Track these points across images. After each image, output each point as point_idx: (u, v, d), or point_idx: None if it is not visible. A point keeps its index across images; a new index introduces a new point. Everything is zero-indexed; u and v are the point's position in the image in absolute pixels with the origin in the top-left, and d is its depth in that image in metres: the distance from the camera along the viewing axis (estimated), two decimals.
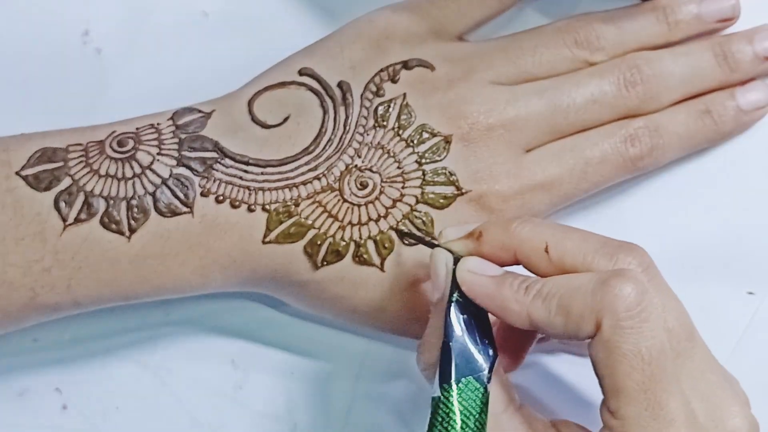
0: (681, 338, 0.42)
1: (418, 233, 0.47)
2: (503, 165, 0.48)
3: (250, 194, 0.46)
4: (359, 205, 0.47)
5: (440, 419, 0.41)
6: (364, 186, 0.47)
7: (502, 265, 0.44)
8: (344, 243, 0.47)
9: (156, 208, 0.46)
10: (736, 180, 0.53)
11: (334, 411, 0.52)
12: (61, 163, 0.46)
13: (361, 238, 0.47)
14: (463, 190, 0.48)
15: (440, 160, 0.48)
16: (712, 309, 0.52)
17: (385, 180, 0.47)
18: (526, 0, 0.53)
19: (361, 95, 0.48)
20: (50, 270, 0.45)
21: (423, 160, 0.48)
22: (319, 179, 0.47)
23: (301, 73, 0.49)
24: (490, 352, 0.42)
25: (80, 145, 0.46)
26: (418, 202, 0.47)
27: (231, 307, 0.50)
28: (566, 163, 0.49)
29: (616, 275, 0.40)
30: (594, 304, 0.40)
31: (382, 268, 0.47)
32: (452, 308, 0.43)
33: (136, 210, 0.45)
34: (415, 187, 0.47)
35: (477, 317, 0.43)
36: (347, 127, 0.48)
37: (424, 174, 0.47)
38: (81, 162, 0.46)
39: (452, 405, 0.41)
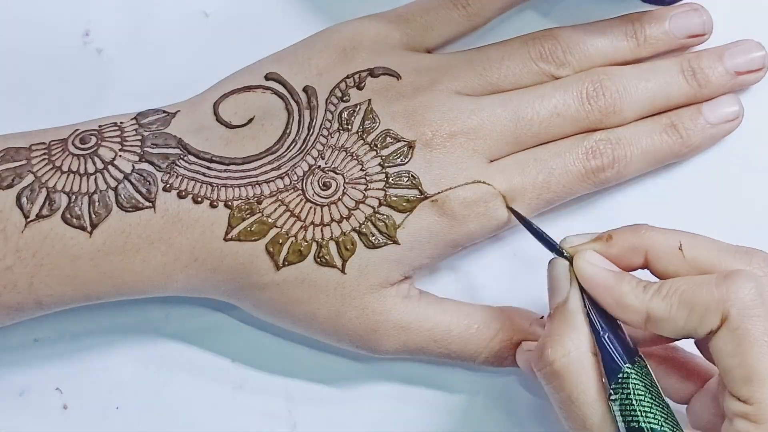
0: None
1: (542, 233, 0.47)
2: (466, 172, 0.48)
3: (212, 190, 0.47)
4: (322, 206, 0.47)
5: (629, 405, 0.41)
6: (327, 186, 0.48)
7: (626, 269, 0.45)
8: (306, 243, 0.47)
9: (118, 203, 0.46)
10: (736, 180, 0.53)
11: (335, 411, 0.52)
12: (23, 161, 0.46)
13: (323, 238, 0.47)
14: (426, 194, 0.48)
15: (404, 164, 0.48)
16: None
17: (348, 181, 0.48)
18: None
19: (326, 100, 0.49)
20: (12, 268, 0.45)
21: (386, 164, 0.48)
22: (282, 178, 0.47)
23: (267, 77, 0.49)
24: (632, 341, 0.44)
25: (43, 144, 0.47)
26: (380, 204, 0.48)
27: (231, 307, 0.50)
28: (529, 173, 0.49)
29: (737, 272, 0.42)
30: (720, 295, 0.41)
31: (343, 270, 0.47)
32: (591, 308, 0.44)
33: (98, 205, 0.46)
34: (377, 189, 0.48)
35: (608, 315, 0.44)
36: (311, 130, 0.48)
37: (387, 177, 0.48)
38: (44, 159, 0.46)
39: (637, 385, 0.42)
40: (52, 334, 0.52)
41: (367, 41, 0.50)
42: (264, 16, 0.54)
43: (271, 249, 0.47)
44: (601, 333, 0.43)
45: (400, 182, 0.48)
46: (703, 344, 0.45)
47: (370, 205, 0.48)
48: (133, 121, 0.48)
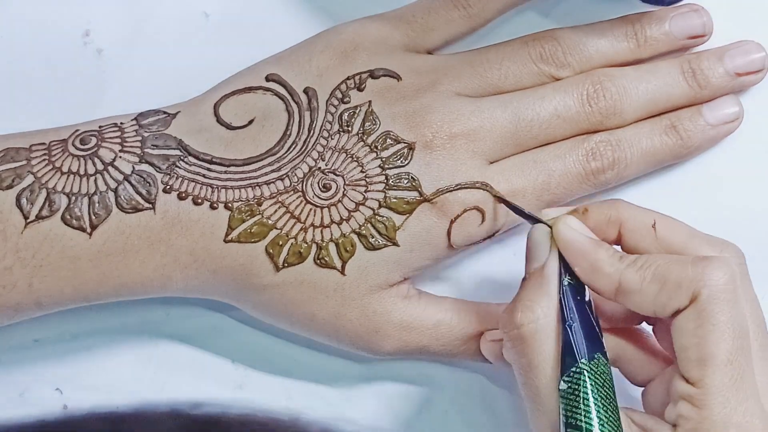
0: (765, 333, 0.43)
1: (519, 206, 0.47)
2: (466, 173, 0.49)
3: (212, 192, 0.47)
4: (322, 207, 0.47)
5: (574, 400, 0.41)
6: (327, 188, 0.48)
7: None
8: (306, 245, 0.47)
9: (118, 204, 0.46)
10: (736, 180, 0.53)
11: (335, 411, 0.52)
12: (24, 162, 0.46)
13: (323, 240, 0.47)
14: (426, 196, 0.48)
15: (404, 166, 0.48)
16: None
17: (348, 183, 0.48)
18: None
19: (327, 101, 0.49)
20: (11, 268, 0.45)
21: (386, 166, 0.48)
22: (282, 180, 0.47)
23: (268, 78, 0.49)
24: (601, 332, 0.43)
25: (43, 144, 0.47)
26: (380, 206, 0.48)
27: (231, 308, 0.50)
28: (529, 175, 0.49)
29: (714, 257, 0.42)
30: (694, 274, 0.41)
31: (342, 272, 0.47)
32: (567, 291, 0.43)
33: (97, 206, 0.46)
34: (377, 191, 0.48)
35: (586, 302, 0.44)
36: (312, 131, 0.48)
37: (387, 179, 0.48)
38: (44, 160, 0.46)
39: (585, 385, 0.41)
40: (52, 335, 0.52)
41: (367, 42, 0.50)
42: (264, 16, 0.54)
43: (271, 250, 0.47)
44: (568, 321, 0.43)
45: (399, 184, 0.48)
46: (661, 330, 0.45)
47: (369, 207, 0.48)
48: (134, 122, 0.48)
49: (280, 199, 0.47)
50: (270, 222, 0.47)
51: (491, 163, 0.50)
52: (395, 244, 0.48)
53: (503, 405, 0.52)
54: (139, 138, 0.47)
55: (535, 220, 0.46)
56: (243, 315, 0.50)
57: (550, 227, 0.45)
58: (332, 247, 0.47)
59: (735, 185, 0.53)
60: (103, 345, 0.52)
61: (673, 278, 0.42)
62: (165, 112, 0.48)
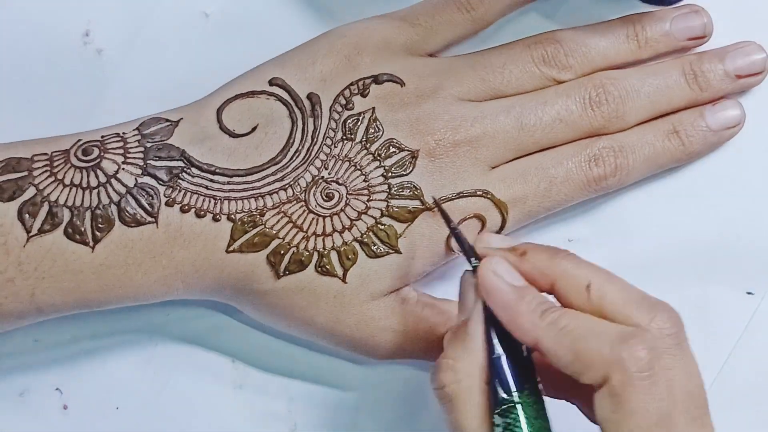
0: (698, 404, 0.41)
1: (461, 236, 0.46)
2: (467, 180, 0.49)
3: (215, 204, 0.47)
4: (324, 216, 0.47)
5: None
6: (329, 198, 0.48)
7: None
8: (307, 253, 0.47)
9: (120, 218, 0.46)
10: (736, 180, 0.53)
11: (335, 411, 0.52)
12: (25, 173, 0.46)
13: (324, 248, 0.47)
14: (428, 205, 0.48)
15: (406, 175, 0.48)
16: (712, 309, 0.52)
17: (351, 192, 0.48)
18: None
19: (330, 108, 0.48)
20: (14, 280, 0.45)
21: (389, 174, 0.48)
22: (285, 190, 0.47)
23: (271, 83, 0.49)
24: (532, 363, 0.43)
25: (45, 154, 0.47)
26: (383, 215, 0.48)
27: (231, 307, 0.50)
28: (531, 181, 0.49)
29: (636, 334, 0.40)
30: (608, 356, 0.39)
31: (344, 279, 0.47)
32: (491, 329, 0.43)
33: (100, 220, 0.46)
34: (380, 200, 0.48)
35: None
36: (315, 139, 0.48)
37: (389, 187, 0.48)
38: (46, 171, 0.46)
39: (519, 416, 0.41)
40: (52, 335, 0.52)
41: (371, 46, 0.50)
42: (264, 16, 0.54)
43: (273, 259, 0.47)
44: (496, 354, 0.42)
45: (402, 193, 0.48)
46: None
47: (372, 216, 0.48)
48: (136, 132, 0.47)
49: (282, 209, 0.47)
50: (272, 232, 0.47)
51: (493, 168, 0.50)
52: (397, 251, 0.48)
53: None
54: (142, 149, 0.47)
55: (469, 255, 0.45)
56: (243, 315, 0.51)
57: (476, 267, 0.44)
58: (334, 255, 0.47)
59: (735, 186, 0.54)
60: (103, 345, 0.52)
61: (587, 354, 0.40)
62: (168, 120, 0.48)
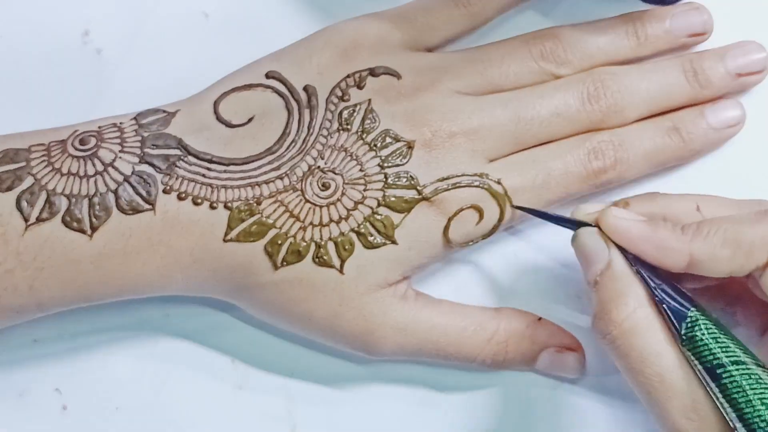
0: None
1: (547, 212, 0.48)
2: (464, 172, 0.49)
3: (212, 191, 0.47)
4: (321, 206, 0.47)
5: (705, 345, 0.41)
6: (326, 187, 0.48)
7: None
8: (305, 243, 0.47)
9: (118, 206, 0.46)
10: (736, 180, 0.53)
11: (335, 411, 0.52)
12: (23, 163, 0.46)
13: (321, 239, 0.47)
14: (425, 195, 0.48)
15: (402, 165, 0.48)
16: None
17: (347, 182, 0.48)
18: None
19: (327, 99, 0.49)
20: (12, 271, 0.45)
21: (385, 164, 0.48)
22: (281, 179, 0.47)
23: (268, 76, 0.49)
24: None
25: (42, 145, 0.47)
26: (379, 204, 0.48)
27: (231, 307, 0.50)
28: (528, 174, 0.49)
29: None
30: (764, 232, 0.42)
31: (341, 270, 0.47)
32: (640, 271, 0.44)
33: (98, 208, 0.46)
34: (376, 190, 0.48)
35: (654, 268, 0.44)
36: (311, 130, 0.48)
37: (386, 177, 0.48)
38: (43, 161, 0.46)
39: (707, 325, 0.42)
40: (52, 335, 0.52)
41: (368, 40, 0.50)
42: (264, 16, 0.54)
43: (270, 249, 0.47)
44: (656, 286, 0.43)
45: (398, 183, 0.48)
46: (753, 280, 0.45)
47: (368, 206, 0.48)
48: (133, 122, 0.48)
49: (279, 198, 0.47)
50: (269, 221, 0.47)
51: (491, 161, 0.49)
52: (394, 242, 0.48)
53: (503, 406, 0.52)
54: (139, 138, 0.47)
55: (571, 223, 0.46)
56: (243, 314, 0.50)
57: (594, 226, 0.45)
58: (331, 246, 0.47)
59: (735, 186, 0.53)
60: (102, 345, 0.52)
61: (745, 240, 0.42)
62: (164, 111, 0.48)
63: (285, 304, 0.48)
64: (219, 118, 0.48)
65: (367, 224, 0.47)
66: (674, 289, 0.43)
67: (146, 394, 0.52)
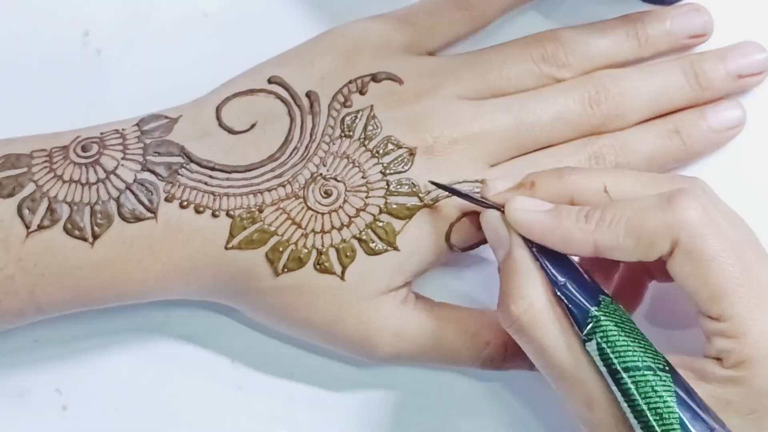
0: (756, 244, 0.43)
1: (458, 187, 0.47)
2: (466, 178, 0.48)
3: (214, 200, 0.47)
4: (323, 213, 0.47)
5: (606, 347, 0.41)
6: (328, 194, 0.48)
7: None
8: (306, 250, 0.47)
9: (120, 214, 0.46)
10: (736, 181, 0.53)
11: (334, 413, 0.52)
12: (24, 169, 0.46)
13: (323, 246, 0.47)
14: (427, 202, 0.48)
15: (404, 172, 0.48)
16: None
17: (349, 189, 0.48)
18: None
19: (329, 105, 0.49)
20: (13, 277, 0.45)
21: (387, 171, 0.48)
22: (283, 186, 0.47)
23: (270, 81, 0.49)
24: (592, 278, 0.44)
25: (44, 150, 0.47)
26: (381, 212, 0.48)
27: (231, 309, 0.50)
28: None
29: (678, 193, 0.42)
30: (666, 221, 0.41)
31: (342, 277, 0.47)
32: (541, 257, 0.43)
33: (99, 216, 0.46)
34: (378, 197, 0.48)
35: (559, 257, 0.44)
36: (314, 136, 0.48)
37: (388, 184, 0.48)
38: (45, 167, 0.46)
39: (608, 326, 0.41)
40: (52, 335, 0.51)
41: (369, 45, 0.50)
42: (264, 16, 0.54)
43: (271, 256, 0.47)
44: (558, 283, 0.43)
45: (400, 190, 0.48)
46: (659, 266, 0.45)
47: (370, 213, 0.48)
48: (135, 128, 0.48)
49: (281, 206, 0.47)
50: (271, 229, 0.47)
51: (492, 166, 0.50)
52: (396, 248, 0.48)
53: (503, 409, 0.52)
54: (141, 145, 0.47)
55: (482, 204, 0.46)
56: (243, 316, 0.50)
57: (500, 210, 0.45)
58: (332, 253, 0.47)
59: (735, 186, 0.53)
60: (102, 346, 0.52)
61: (647, 229, 0.42)
62: (167, 117, 0.48)
63: (285, 309, 0.48)
64: (221, 125, 0.48)
65: (369, 231, 0.47)
66: (579, 282, 0.43)
67: (146, 395, 0.52)
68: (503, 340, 0.49)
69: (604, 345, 0.41)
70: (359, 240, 0.47)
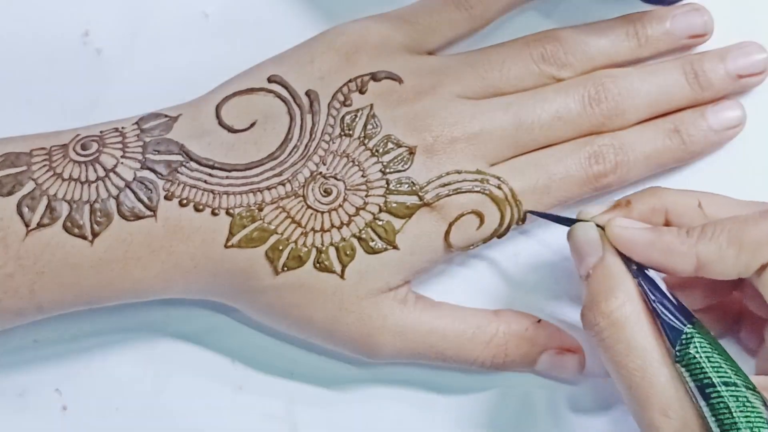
0: None
1: (552, 214, 0.48)
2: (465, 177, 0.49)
3: (214, 198, 0.47)
4: (322, 212, 0.47)
5: (697, 364, 0.42)
6: (328, 193, 0.48)
7: None
8: (306, 249, 0.47)
9: (119, 212, 0.46)
10: (736, 181, 0.53)
11: (334, 412, 0.52)
12: (24, 168, 0.46)
13: (323, 244, 0.47)
14: (426, 201, 0.48)
15: (404, 170, 0.48)
16: None
17: (349, 188, 0.48)
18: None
19: (329, 104, 0.49)
20: (13, 275, 0.45)
21: (387, 170, 0.48)
22: (283, 185, 0.47)
23: (270, 80, 0.49)
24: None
25: (44, 149, 0.47)
26: (381, 210, 0.48)
27: (231, 308, 0.50)
28: (530, 178, 0.49)
29: None
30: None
31: (342, 276, 0.47)
32: (637, 274, 0.44)
33: (99, 214, 0.46)
34: (378, 196, 0.48)
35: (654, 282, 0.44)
36: (313, 135, 0.48)
37: (387, 183, 0.48)
38: (44, 166, 0.46)
39: (702, 343, 0.42)
40: (52, 335, 0.52)
41: (369, 44, 0.50)
42: (264, 16, 0.54)
43: (271, 255, 0.47)
44: (654, 299, 0.43)
45: (400, 189, 0.48)
46: (748, 294, 0.46)
47: (370, 212, 0.48)
48: (135, 126, 0.48)
49: (281, 204, 0.47)
50: (271, 227, 0.47)
51: (492, 165, 0.50)
52: (395, 247, 0.48)
53: (503, 407, 0.52)
54: (141, 143, 0.47)
55: (573, 223, 0.47)
56: (243, 316, 0.50)
57: (599, 226, 0.46)
58: (332, 251, 0.47)
59: (735, 187, 0.53)
60: (102, 345, 0.52)
61: (749, 238, 0.42)
62: (166, 116, 0.48)
63: (285, 308, 0.48)
64: (221, 123, 0.48)
65: (369, 230, 0.47)
66: (674, 305, 0.44)
67: (146, 395, 0.52)
68: (504, 340, 0.49)
69: (701, 358, 0.42)
70: (359, 239, 0.47)
